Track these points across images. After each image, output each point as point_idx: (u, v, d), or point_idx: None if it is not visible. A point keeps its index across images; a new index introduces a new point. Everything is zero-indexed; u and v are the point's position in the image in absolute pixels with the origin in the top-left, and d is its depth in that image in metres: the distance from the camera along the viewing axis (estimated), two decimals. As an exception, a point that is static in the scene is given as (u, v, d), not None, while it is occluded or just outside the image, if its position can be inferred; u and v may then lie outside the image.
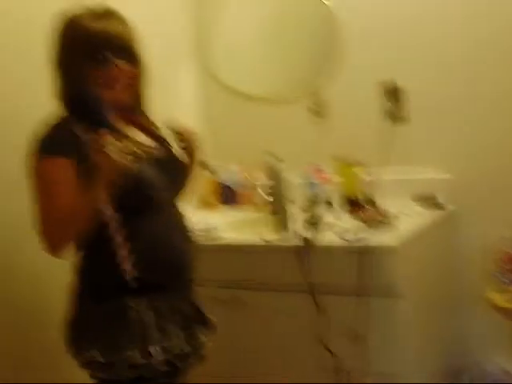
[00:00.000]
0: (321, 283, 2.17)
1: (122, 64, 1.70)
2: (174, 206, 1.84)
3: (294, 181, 2.55)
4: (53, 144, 1.63)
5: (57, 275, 1.98)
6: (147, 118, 1.88)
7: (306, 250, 2.18)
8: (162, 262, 1.73)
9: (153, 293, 1.70)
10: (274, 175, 2.30)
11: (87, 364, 1.70)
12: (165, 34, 2.65)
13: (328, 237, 2.23)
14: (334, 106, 2.64)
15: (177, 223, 1.82)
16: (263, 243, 2.29)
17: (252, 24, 2.77)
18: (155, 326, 1.68)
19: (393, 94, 2.53)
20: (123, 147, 1.56)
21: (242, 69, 2.82)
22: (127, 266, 1.66)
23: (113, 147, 1.54)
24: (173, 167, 1.83)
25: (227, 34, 2.80)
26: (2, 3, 2.11)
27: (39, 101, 1.87)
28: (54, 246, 1.63)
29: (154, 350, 1.66)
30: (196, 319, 1.84)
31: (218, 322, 1.92)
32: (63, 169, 1.61)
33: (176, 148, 1.87)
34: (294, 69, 2.73)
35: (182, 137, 1.87)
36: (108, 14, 1.72)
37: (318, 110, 2.66)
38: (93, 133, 1.59)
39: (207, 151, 2.87)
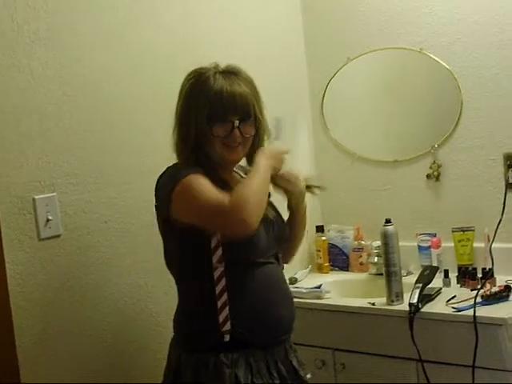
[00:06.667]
0: (427, 352, 2.11)
1: (243, 127, 1.72)
2: (275, 263, 1.81)
3: (408, 246, 2.50)
4: (185, 169, 1.66)
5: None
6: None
7: (415, 317, 2.11)
8: (261, 321, 1.72)
9: (248, 349, 1.69)
10: (387, 239, 2.27)
11: None
12: (284, 89, 2.73)
13: (439, 306, 2.18)
14: (450, 170, 2.57)
15: (278, 281, 1.81)
16: (369, 307, 2.26)
17: (368, 85, 2.77)
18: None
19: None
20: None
21: (357, 131, 2.82)
22: (225, 322, 1.66)
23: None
24: (276, 225, 1.83)
25: (342, 92, 2.82)
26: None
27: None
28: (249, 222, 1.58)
29: None
30: (292, 379, 1.78)
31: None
32: (202, 176, 1.64)
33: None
34: (409, 131, 2.69)
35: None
36: (234, 73, 1.74)
37: (434, 174, 2.60)
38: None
39: (321, 214, 2.91)
